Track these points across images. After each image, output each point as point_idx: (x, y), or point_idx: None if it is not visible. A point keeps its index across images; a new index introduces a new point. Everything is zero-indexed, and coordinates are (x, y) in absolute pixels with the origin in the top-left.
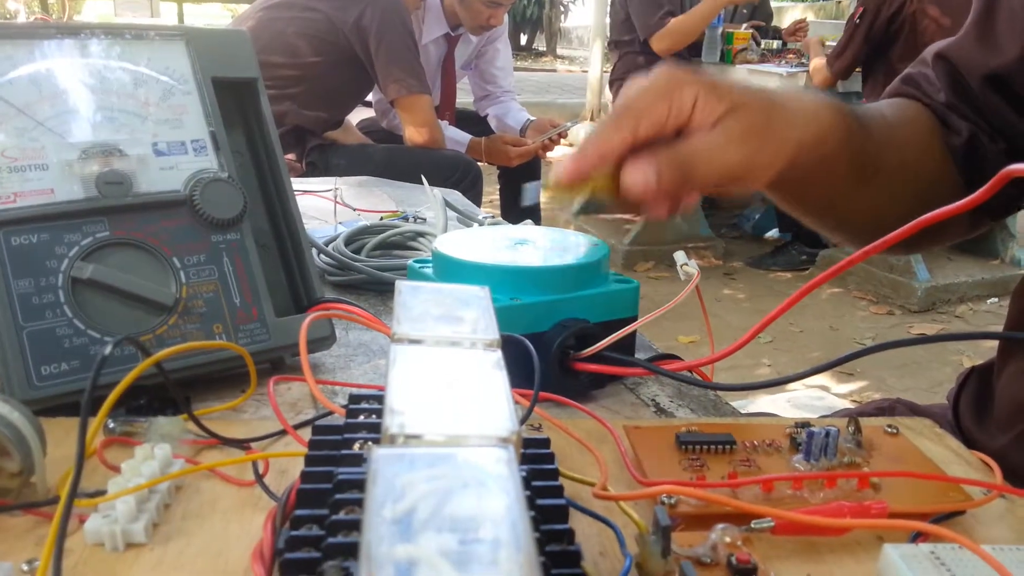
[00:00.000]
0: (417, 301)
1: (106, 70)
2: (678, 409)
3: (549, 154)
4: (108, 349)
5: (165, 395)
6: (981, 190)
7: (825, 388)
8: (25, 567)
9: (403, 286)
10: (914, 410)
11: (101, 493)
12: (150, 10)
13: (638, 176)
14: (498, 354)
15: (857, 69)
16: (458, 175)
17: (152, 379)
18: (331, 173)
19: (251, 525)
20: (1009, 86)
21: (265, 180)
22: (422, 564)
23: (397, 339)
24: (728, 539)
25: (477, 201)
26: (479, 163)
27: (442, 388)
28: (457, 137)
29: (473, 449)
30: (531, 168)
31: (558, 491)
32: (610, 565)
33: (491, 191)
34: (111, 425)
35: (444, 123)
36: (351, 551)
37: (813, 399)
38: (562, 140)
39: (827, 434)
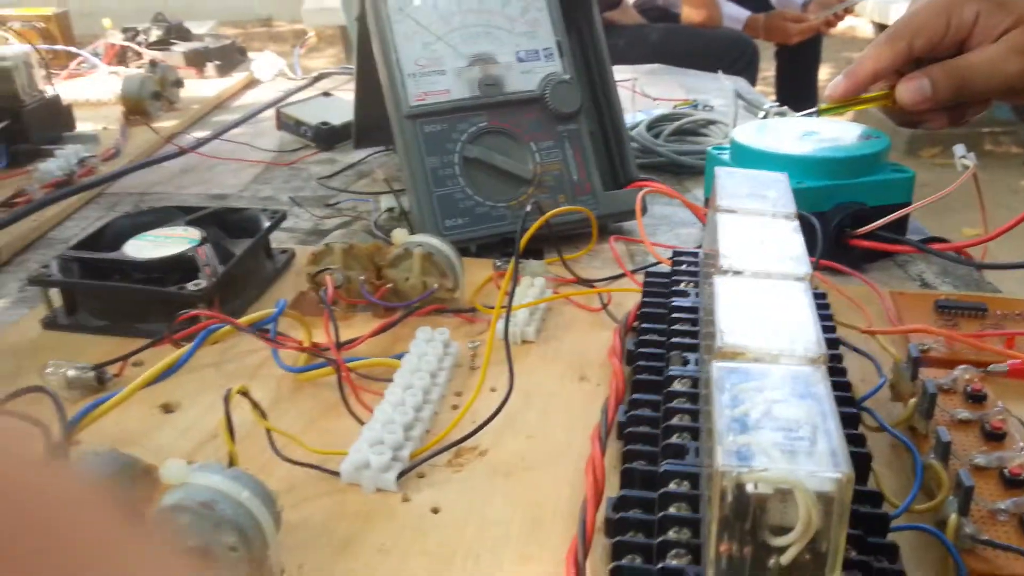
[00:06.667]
0: (732, 182)
1: None
2: (942, 285)
3: (833, 30)
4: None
5: (530, 246)
6: None
7: None
8: (470, 345)
9: (720, 171)
10: None
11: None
12: None
13: (913, 88)
14: (795, 223)
15: None
16: (734, 54)
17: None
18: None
19: (600, 336)
20: None
21: (592, 77)
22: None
23: (719, 209)
24: (968, 376)
25: (752, 81)
26: (756, 41)
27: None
28: (734, 14)
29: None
30: (812, 47)
31: (831, 331)
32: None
33: (766, 68)
34: (498, 264)
35: None
36: (688, 348)
37: None
38: (848, 15)
39: None
